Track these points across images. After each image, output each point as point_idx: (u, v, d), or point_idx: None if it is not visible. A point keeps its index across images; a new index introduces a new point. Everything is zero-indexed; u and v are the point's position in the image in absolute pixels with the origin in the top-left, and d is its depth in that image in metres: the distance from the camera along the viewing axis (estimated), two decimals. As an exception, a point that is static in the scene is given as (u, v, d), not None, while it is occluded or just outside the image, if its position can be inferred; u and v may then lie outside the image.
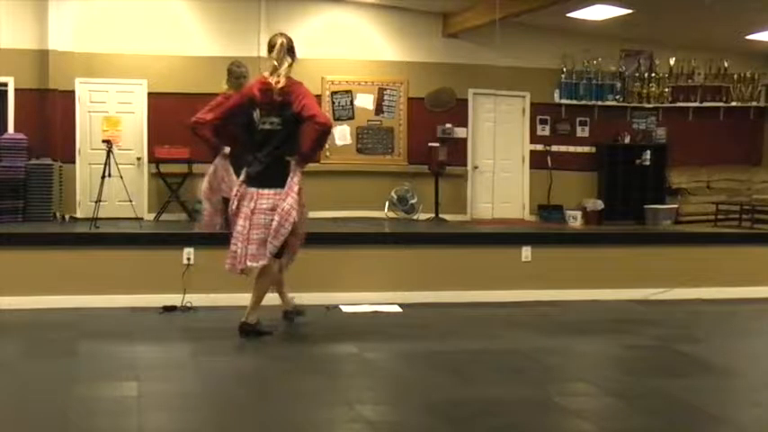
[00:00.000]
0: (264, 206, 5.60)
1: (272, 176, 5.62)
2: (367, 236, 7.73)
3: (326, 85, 13.29)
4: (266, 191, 5.62)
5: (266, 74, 5.66)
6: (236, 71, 7.26)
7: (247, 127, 5.74)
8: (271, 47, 5.72)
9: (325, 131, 5.72)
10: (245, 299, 6.66)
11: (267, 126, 5.64)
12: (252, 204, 5.64)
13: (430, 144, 12.78)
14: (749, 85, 14.23)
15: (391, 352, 5.55)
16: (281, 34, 5.79)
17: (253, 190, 5.66)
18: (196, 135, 6.47)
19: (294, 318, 6.16)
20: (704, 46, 13.79)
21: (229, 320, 6.23)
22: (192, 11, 12.81)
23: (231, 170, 6.66)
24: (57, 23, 12.10)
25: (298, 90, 5.64)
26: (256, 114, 5.65)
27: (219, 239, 7.50)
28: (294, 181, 5.62)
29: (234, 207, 5.75)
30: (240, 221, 5.66)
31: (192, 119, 6.47)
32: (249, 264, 5.64)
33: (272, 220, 5.58)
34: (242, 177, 5.80)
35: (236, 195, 5.76)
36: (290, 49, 5.69)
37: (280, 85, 5.57)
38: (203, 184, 6.78)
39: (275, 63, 5.62)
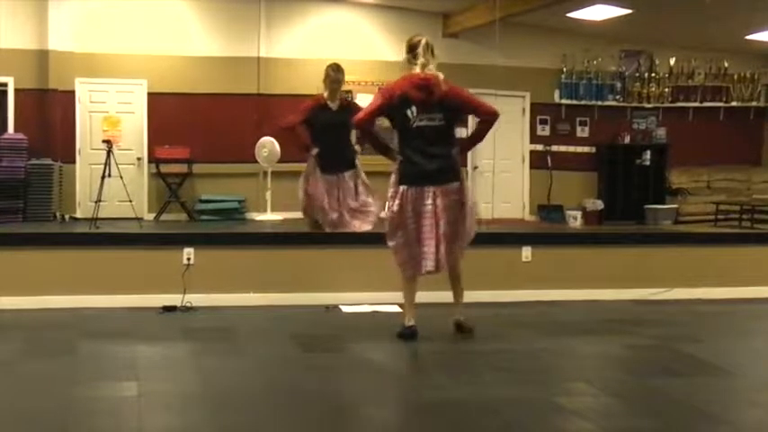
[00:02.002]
0: (450, 203, 5.59)
1: (447, 172, 5.59)
2: (367, 236, 7.72)
3: (326, 85, 13.27)
4: (446, 187, 5.58)
5: (417, 71, 5.62)
6: (331, 75, 7.64)
7: (399, 125, 5.68)
8: (413, 46, 5.70)
9: (494, 121, 5.79)
10: (245, 299, 6.68)
11: (429, 123, 5.57)
12: (436, 203, 5.55)
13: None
14: (749, 85, 14.24)
15: (391, 352, 5.55)
16: (421, 35, 5.80)
17: (430, 188, 5.56)
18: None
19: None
20: (704, 46, 13.80)
21: (229, 320, 6.24)
22: (191, 11, 12.82)
23: (318, 172, 7.57)
24: (57, 23, 12.11)
25: (452, 85, 5.71)
26: (411, 112, 5.57)
27: (219, 240, 7.53)
28: (464, 174, 5.71)
29: (397, 207, 5.60)
30: (425, 221, 5.55)
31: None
32: (453, 264, 5.70)
33: (456, 216, 5.61)
34: (403, 177, 5.62)
35: (400, 195, 5.60)
36: (432, 48, 5.75)
37: (442, 80, 5.62)
38: (300, 182, 7.69)
39: (423, 60, 5.64)
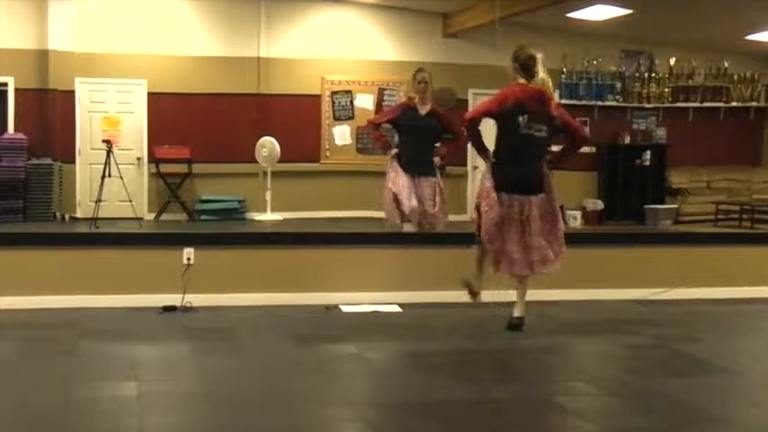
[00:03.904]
0: (538, 212, 5.89)
1: (540, 182, 5.95)
2: (367, 236, 7.72)
3: (326, 85, 13.29)
4: (536, 197, 5.91)
5: (533, 84, 5.85)
6: (417, 75, 7.80)
7: (506, 130, 5.92)
8: (528, 61, 5.88)
9: (585, 143, 6.56)
10: (244, 299, 6.68)
11: (535, 133, 5.84)
12: (527, 211, 5.86)
13: (430, 144, 12.77)
14: (749, 85, 14.23)
15: (391, 352, 5.55)
16: (530, 49, 5.94)
17: (524, 197, 5.87)
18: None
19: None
20: (704, 46, 13.79)
21: (229, 320, 6.24)
22: (192, 11, 12.82)
23: (399, 169, 7.60)
24: (57, 23, 12.11)
25: (557, 102, 6.02)
26: (522, 119, 5.79)
27: (219, 240, 7.53)
28: (554, 186, 6.02)
29: (494, 213, 5.83)
30: (513, 228, 5.85)
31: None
32: (543, 271, 5.96)
33: (546, 224, 5.93)
34: (498, 182, 5.86)
35: (495, 200, 5.84)
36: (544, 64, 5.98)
37: (555, 100, 5.93)
38: (387, 182, 7.68)
39: (543, 77, 5.86)
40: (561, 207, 6.40)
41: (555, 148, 6.42)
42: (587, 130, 13.81)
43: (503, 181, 5.88)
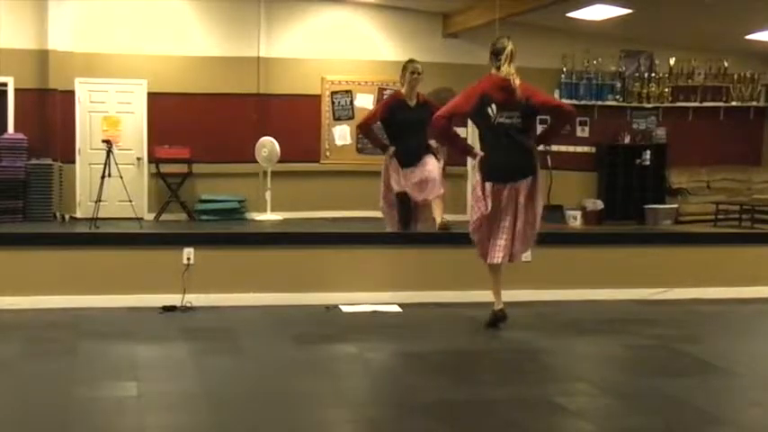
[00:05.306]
0: (524, 198, 5.90)
1: (524, 167, 5.91)
2: (367, 236, 7.72)
3: (326, 85, 13.30)
4: (525, 181, 5.89)
5: (502, 75, 5.92)
6: (409, 67, 7.73)
7: (481, 123, 5.98)
8: (500, 50, 5.98)
9: (572, 118, 6.58)
10: (244, 299, 6.69)
11: (508, 120, 5.88)
12: (518, 199, 5.88)
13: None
14: (749, 85, 14.23)
15: (391, 352, 5.55)
16: (508, 39, 6.04)
17: (512, 185, 5.87)
18: (365, 136, 7.95)
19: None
20: (704, 46, 13.80)
21: (229, 320, 6.24)
22: (191, 11, 12.83)
23: (398, 166, 7.49)
24: (57, 23, 12.13)
25: (531, 86, 6.04)
26: (491, 110, 5.85)
27: (220, 239, 7.53)
28: (539, 168, 6.04)
29: (488, 205, 5.88)
30: (505, 215, 5.88)
31: (357, 125, 8.21)
32: (524, 258, 6.07)
33: (528, 210, 5.93)
34: (487, 174, 5.90)
35: (487, 192, 5.87)
36: (514, 56, 6.05)
37: (520, 84, 5.89)
38: (381, 180, 7.66)
39: (507, 69, 5.93)
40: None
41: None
42: (587, 129, 13.90)
43: (491, 171, 5.91)
